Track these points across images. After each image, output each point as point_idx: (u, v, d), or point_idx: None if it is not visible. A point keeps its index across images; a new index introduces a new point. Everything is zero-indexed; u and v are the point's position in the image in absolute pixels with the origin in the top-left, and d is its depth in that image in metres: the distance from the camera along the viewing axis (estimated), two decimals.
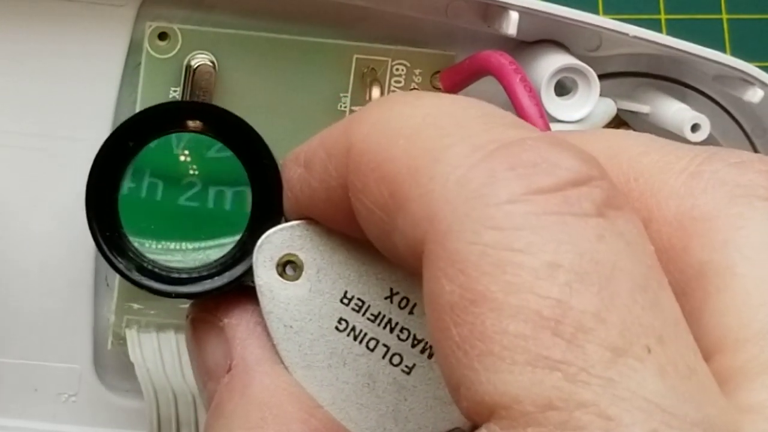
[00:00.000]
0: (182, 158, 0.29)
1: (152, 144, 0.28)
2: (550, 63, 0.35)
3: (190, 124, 0.28)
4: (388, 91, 0.37)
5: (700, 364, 0.19)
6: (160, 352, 0.36)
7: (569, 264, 0.19)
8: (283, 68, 0.36)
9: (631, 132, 0.25)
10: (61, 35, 0.36)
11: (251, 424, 0.25)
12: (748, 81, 0.36)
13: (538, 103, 0.32)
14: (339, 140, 0.24)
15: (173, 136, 0.28)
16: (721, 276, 0.21)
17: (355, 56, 0.37)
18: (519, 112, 0.33)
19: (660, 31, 0.46)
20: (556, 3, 0.35)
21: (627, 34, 0.35)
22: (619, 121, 0.38)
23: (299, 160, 0.26)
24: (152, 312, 0.37)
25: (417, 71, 0.37)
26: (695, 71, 0.39)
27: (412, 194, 0.21)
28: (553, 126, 0.34)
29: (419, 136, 0.22)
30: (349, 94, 0.37)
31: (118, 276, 0.36)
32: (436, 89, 0.37)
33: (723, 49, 0.48)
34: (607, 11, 0.49)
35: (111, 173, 0.27)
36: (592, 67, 0.35)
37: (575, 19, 0.35)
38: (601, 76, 0.37)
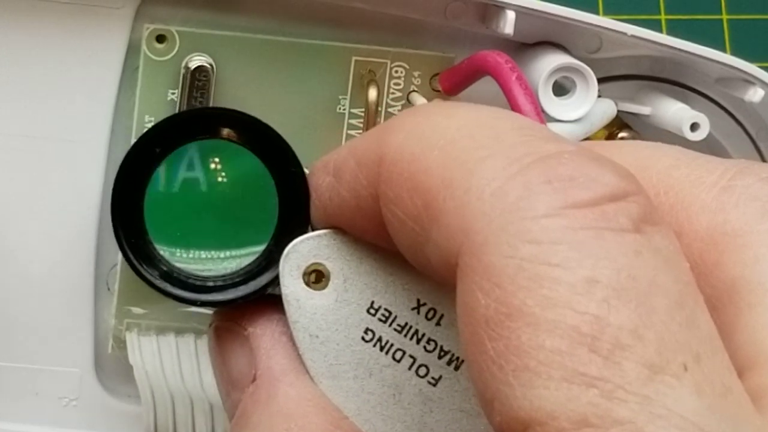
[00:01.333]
0: (211, 165, 0.29)
1: (180, 150, 0.28)
2: (548, 63, 0.34)
3: (218, 131, 0.28)
4: (387, 94, 0.37)
5: (736, 382, 0.19)
6: (160, 355, 0.36)
7: (607, 280, 0.19)
8: (281, 70, 0.36)
9: (661, 144, 0.25)
10: (59, 38, 0.36)
11: None
12: (749, 81, 0.36)
13: (534, 101, 0.32)
14: (370, 149, 0.24)
15: (200, 143, 0.28)
16: (753, 292, 0.21)
17: (354, 58, 0.36)
18: (515, 110, 0.32)
19: (660, 31, 0.45)
20: (556, 4, 0.35)
21: (625, 33, 0.35)
22: (620, 123, 0.38)
23: (328, 168, 0.26)
24: (153, 316, 0.37)
25: (416, 73, 0.37)
26: (697, 73, 0.38)
27: (446, 206, 0.21)
28: (551, 126, 0.34)
29: (454, 147, 0.22)
30: (348, 97, 0.37)
31: (118, 280, 0.36)
32: (435, 91, 0.37)
33: (723, 49, 0.48)
34: (607, 11, 0.49)
35: (137, 179, 0.27)
36: (593, 69, 0.35)
37: (573, 18, 0.35)
38: (602, 79, 0.37)
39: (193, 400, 0.36)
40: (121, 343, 0.37)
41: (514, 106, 0.32)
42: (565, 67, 0.35)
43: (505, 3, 0.34)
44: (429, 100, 0.37)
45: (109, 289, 0.38)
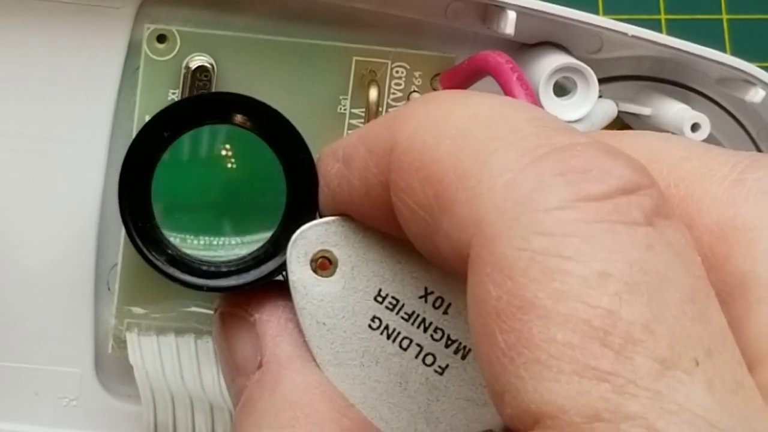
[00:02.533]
0: (220, 151, 0.29)
1: (188, 135, 0.28)
2: (549, 63, 0.34)
3: (228, 116, 0.28)
4: (388, 94, 0.37)
5: (747, 377, 0.19)
6: (160, 355, 0.36)
7: (619, 273, 0.19)
8: (282, 70, 0.36)
9: (671, 136, 0.25)
10: (59, 37, 0.36)
11: (282, 423, 0.25)
12: (750, 81, 0.36)
13: (535, 101, 0.32)
14: (381, 137, 0.24)
15: (209, 128, 0.28)
16: (763, 287, 0.21)
17: (355, 58, 0.36)
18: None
19: (660, 31, 0.45)
20: (556, 4, 0.35)
21: (626, 34, 0.35)
22: (621, 124, 0.38)
23: (337, 155, 0.26)
24: (153, 316, 0.37)
25: (417, 74, 0.37)
26: (698, 74, 0.38)
27: (458, 197, 0.21)
28: None
29: (467, 137, 0.22)
30: (348, 97, 0.37)
31: (118, 279, 0.36)
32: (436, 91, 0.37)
33: (723, 49, 0.48)
34: (607, 11, 0.49)
35: (144, 163, 0.27)
36: (594, 70, 0.35)
37: (574, 18, 0.35)
38: (603, 80, 0.37)
39: (193, 400, 0.36)
40: (121, 343, 0.37)
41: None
42: (565, 67, 0.35)
43: (506, 3, 0.34)
44: None
45: (109, 289, 0.38)
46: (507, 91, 0.33)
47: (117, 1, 0.36)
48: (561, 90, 0.35)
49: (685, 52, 0.36)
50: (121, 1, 0.36)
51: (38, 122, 0.36)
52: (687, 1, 0.49)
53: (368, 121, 0.36)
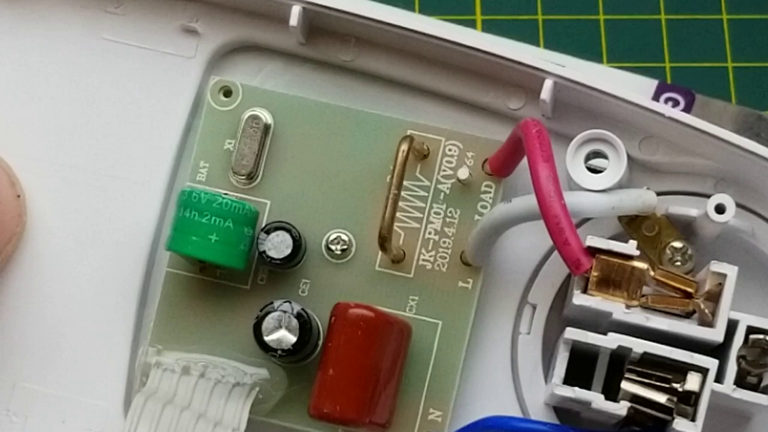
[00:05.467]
0: None
1: None
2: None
3: None
4: (438, 170, 0.37)
5: None
6: (176, 390, 0.36)
7: None
8: (337, 134, 0.38)
9: None
10: (132, 80, 0.38)
11: None
12: None
13: (552, 166, 0.32)
14: None
15: None
16: None
17: (409, 131, 0.37)
18: (532, 171, 0.33)
19: (660, 30, 0.45)
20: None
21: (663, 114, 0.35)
22: (676, 234, 0.37)
23: None
24: (181, 357, 0.37)
25: (469, 154, 0.37)
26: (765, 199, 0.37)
27: None
28: (577, 194, 0.34)
29: None
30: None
31: (154, 319, 0.37)
32: (488, 175, 0.37)
33: (723, 49, 0.47)
34: (608, 11, 0.49)
35: None
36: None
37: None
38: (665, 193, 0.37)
39: None
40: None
41: (531, 169, 0.33)
42: (593, 137, 0.35)
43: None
44: (481, 182, 0.37)
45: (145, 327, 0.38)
46: (528, 153, 0.33)
47: (190, 51, 0.37)
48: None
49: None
50: (194, 50, 0.37)
51: (103, 158, 0.38)
52: (687, 1, 0.49)
53: (398, 180, 0.35)
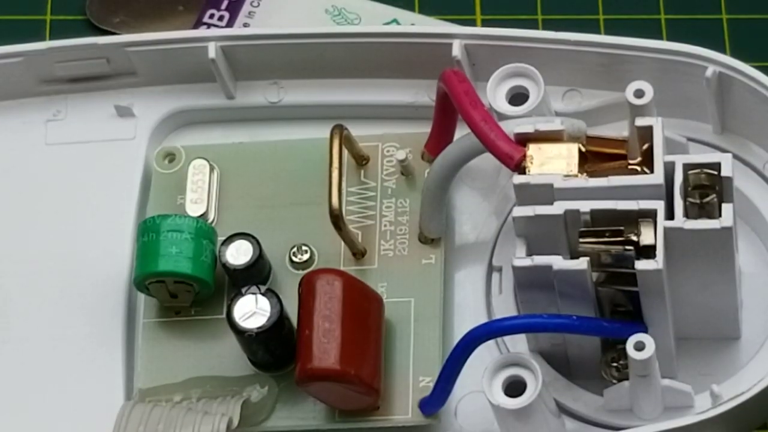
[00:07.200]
0: None
1: None
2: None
3: None
4: (382, 170, 0.38)
5: None
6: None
7: None
8: (276, 166, 0.40)
9: None
10: (81, 170, 0.41)
11: None
12: None
13: (485, 110, 0.34)
14: None
15: None
16: None
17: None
18: (464, 116, 0.34)
19: (660, 30, 0.46)
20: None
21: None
22: None
23: None
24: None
25: (407, 149, 0.39)
26: None
27: None
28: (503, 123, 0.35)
29: None
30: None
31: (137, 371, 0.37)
32: (429, 162, 0.38)
33: (723, 49, 0.46)
34: (607, 11, 0.49)
35: None
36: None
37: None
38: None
39: None
40: None
41: (463, 113, 0.35)
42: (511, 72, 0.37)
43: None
44: (423, 170, 0.38)
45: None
46: (457, 105, 0.35)
47: (130, 132, 0.41)
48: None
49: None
50: (134, 131, 0.40)
51: (63, 239, 0.40)
52: (687, 1, 0.49)
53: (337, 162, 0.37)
